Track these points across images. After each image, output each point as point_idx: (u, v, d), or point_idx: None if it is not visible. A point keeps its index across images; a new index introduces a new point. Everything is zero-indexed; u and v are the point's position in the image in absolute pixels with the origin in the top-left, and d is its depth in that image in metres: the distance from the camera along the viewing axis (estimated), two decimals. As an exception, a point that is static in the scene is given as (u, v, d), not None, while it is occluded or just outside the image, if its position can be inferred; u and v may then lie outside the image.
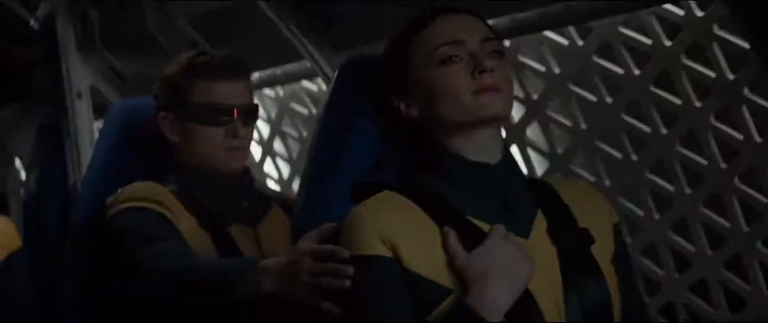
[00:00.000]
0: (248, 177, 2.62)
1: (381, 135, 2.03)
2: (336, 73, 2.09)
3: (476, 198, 1.90)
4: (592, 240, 1.93)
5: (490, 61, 1.88)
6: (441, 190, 1.91)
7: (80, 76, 4.29)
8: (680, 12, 2.63)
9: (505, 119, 1.92)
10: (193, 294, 2.15)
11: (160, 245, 2.30)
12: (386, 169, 2.02)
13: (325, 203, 2.02)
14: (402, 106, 1.96)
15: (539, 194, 1.97)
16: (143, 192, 2.47)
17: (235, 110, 2.52)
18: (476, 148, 1.91)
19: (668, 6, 2.63)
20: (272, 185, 4.30)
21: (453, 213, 1.89)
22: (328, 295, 1.89)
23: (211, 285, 2.10)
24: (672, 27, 2.67)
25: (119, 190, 2.62)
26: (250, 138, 2.58)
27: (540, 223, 1.92)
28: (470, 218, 1.89)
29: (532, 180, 2.03)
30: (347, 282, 1.86)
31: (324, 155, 2.07)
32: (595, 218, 1.97)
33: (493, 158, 1.92)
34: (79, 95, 4.28)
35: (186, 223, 2.45)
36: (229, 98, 2.52)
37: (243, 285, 2.02)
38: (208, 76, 2.52)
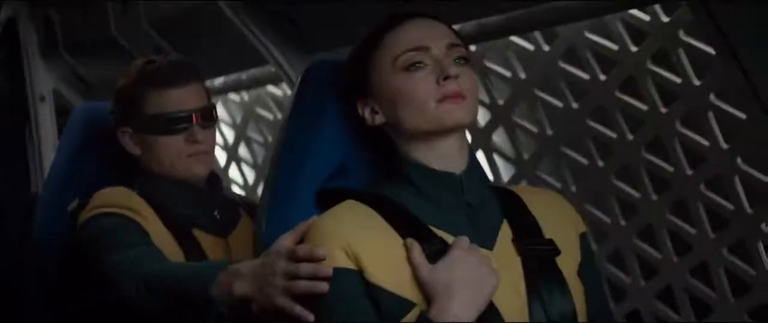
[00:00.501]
0: (218, 185, 2.60)
1: (346, 141, 2.02)
2: (300, 77, 2.07)
3: (440, 208, 1.89)
4: (557, 251, 1.92)
5: (455, 67, 1.86)
6: (404, 200, 1.89)
7: (43, 80, 4.29)
8: (646, 17, 2.61)
9: (467, 126, 1.90)
10: (165, 298, 2.12)
11: (132, 251, 2.28)
12: (350, 175, 2.00)
13: (290, 209, 1.99)
14: (366, 113, 1.95)
15: (505, 203, 1.96)
16: (114, 198, 2.45)
17: (191, 116, 2.49)
18: (440, 156, 1.90)
19: (634, 11, 2.62)
20: (237, 190, 4.27)
21: (416, 224, 1.87)
22: (300, 300, 1.85)
23: (183, 288, 2.06)
24: (638, 32, 2.66)
25: (77, 199, 2.61)
26: (212, 141, 2.55)
27: (505, 234, 1.91)
28: (434, 229, 1.87)
29: (498, 189, 2.01)
30: (325, 286, 1.82)
31: (288, 161, 2.04)
32: (562, 228, 1.96)
33: (457, 167, 1.91)
34: (42, 99, 4.29)
35: (155, 228, 2.43)
36: (182, 104, 2.49)
37: (215, 287, 1.97)
38: (158, 85, 2.49)
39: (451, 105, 1.85)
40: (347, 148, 2.02)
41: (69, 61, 4.18)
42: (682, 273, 2.80)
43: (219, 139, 4.21)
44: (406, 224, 1.86)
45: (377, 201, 1.90)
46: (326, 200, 1.94)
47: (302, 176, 2.02)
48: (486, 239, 1.88)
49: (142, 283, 2.16)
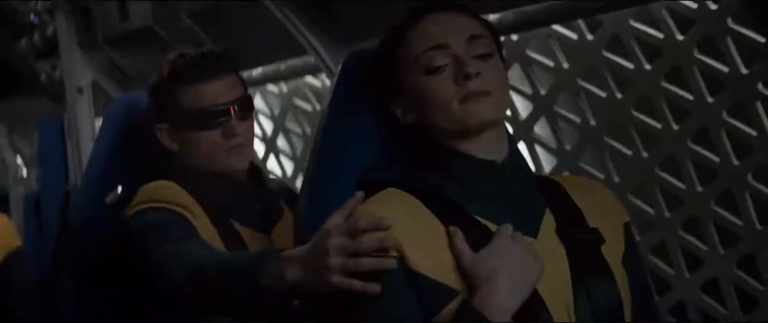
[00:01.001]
0: (261, 180, 2.57)
1: (385, 131, 1.99)
2: (339, 68, 2.05)
3: (483, 197, 1.86)
4: (602, 240, 1.89)
5: (475, 63, 1.83)
6: (446, 188, 1.86)
7: (81, 71, 4.27)
8: (693, 5, 2.57)
9: (496, 123, 1.87)
10: (215, 288, 2.07)
11: (182, 244, 2.26)
12: (391, 165, 1.98)
13: (330, 201, 1.96)
14: (398, 112, 1.92)
15: (548, 192, 1.93)
16: (162, 193, 2.43)
17: (228, 109, 2.46)
18: (480, 145, 1.87)
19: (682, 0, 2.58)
20: None
21: (459, 212, 1.84)
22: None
23: (234, 278, 2.01)
24: (684, 20, 2.62)
25: (116, 191, 2.62)
26: (251, 133, 2.52)
27: (548, 222, 1.88)
28: (477, 217, 1.84)
29: (541, 178, 1.98)
30: (393, 262, 1.78)
31: (327, 152, 2.03)
32: (606, 217, 1.93)
33: (498, 155, 1.88)
34: (80, 91, 4.26)
35: (202, 223, 2.41)
36: (217, 97, 2.46)
37: (266, 276, 1.92)
38: (192, 80, 2.46)
39: (474, 104, 1.82)
40: (387, 138, 2.00)
41: (107, 52, 4.16)
42: (729, 266, 2.76)
43: (257, 130, 4.21)
44: (448, 212, 1.84)
45: (419, 189, 1.87)
46: (367, 189, 1.92)
47: (342, 167, 2.00)
48: (529, 228, 1.85)
49: (192, 272, 2.12)
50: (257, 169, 2.58)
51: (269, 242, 2.49)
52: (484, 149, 1.87)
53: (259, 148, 4.29)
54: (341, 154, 2.01)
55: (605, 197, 1.97)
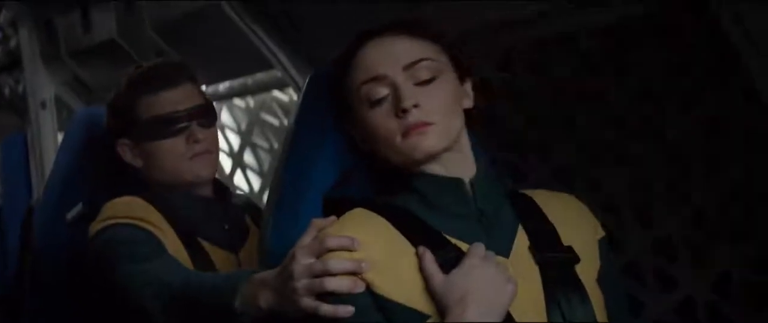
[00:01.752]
0: (228, 197, 2.53)
1: (352, 148, 1.95)
2: (304, 86, 2.02)
3: (452, 216, 1.82)
4: (576, 259, 1.85)
5: (414, 93, 1.79)
6: (414, 207, 1.83)
7: (44, 85, 4.24)
8: None
9: (443, 150, 1.81)
10: (188, 311, 2.04)
11: (151, 262, 2.22)
12: (357, 183, 1.94)
13: (296, 220, 1.92)
14: (357, 138, 1.89)
15: (520, 209, 1.89)
16: (128, 208, 2.39)
17: (188, 114, 2.42)
18: (443, 167, 1.83)
19: None
20: None
21: (429, 232, 1.80)
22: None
23: (207, 301, 1.97)
24: None
25: (78, 207, 2.59)
26: (214, 140, 2.48)
27: (521, 241, 1.84)
28: (447, 236, 1.80)
29: (513, 194, 1.94)
30: (361, 284, 1.73)
31: (294, 170, 1.99)
32: (580, 233, 1.89)
33: (466, 174, 1.84)
34: (43, 105, 4.24)
35: (169, 239, 2.37)
36: (177, 104, 2.43)
37: (239, 299, 1.88)
38: (149, 90, 2.44)
39: (416, 138, 1.79)
40: (354, 156, 1.95)
41: (71, 66, 4.12)
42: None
43: (224, 145, 4.24)
44: (417, 232, 1.79)
45: (386, 209, 1.83)
46: (334, 208, 1.88)
47: (308, 185, 1.96)
48: (501, 247, 1.81)
49: (164, 295, 2.09)
50: (222, 186, 2.54)
51: (237, 261, 2.45)
52: (447, 168, 1.83)
53: (226, 163, 4.26)
54: (308, 171, 1.97)
55: (579, 211, 1.93)
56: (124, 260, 2.23)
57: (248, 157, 4.22)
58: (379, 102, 1.81)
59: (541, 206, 1.91)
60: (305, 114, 2.00)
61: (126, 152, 2.48)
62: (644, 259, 2.78)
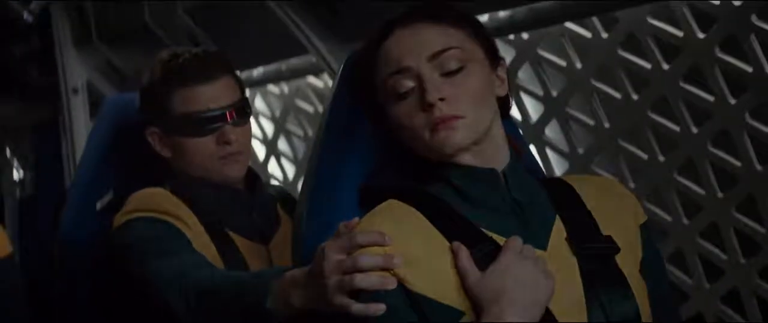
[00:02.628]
0: (259, 188, 2.45)
1: (387, 136, 1.87)
2: (339, 70, 1.94)
3: (488, 208, 1.75)
4: (616, 249, 1.76)
5: (438, 86, 1.71)
6: (450, 199, 1.75)
7: (76, 71, 4.21)
8: (715, 2, 2.46)
9: (472, 145, 1.74)
10: (217, 310, 1.98)
11: (177, 258, 2.15)
12: (392, 173, 1.87)
13: (330, 211, 1.86)
14: (389, 129, 1.81)
15: (557, 197, 1.81)
16: (153, 201, 2.32)
17: (223, 114, 2.34)
18: (476, 158, 1.76)
19: None
20: None
21: (464, 225, 1.73)
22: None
23: (238, 301, 1.91)
24: (705, 17, 2.51)
25: (107, 195, 2.54)
26: (247, 139, 2.41)
27: (558, 231, 1.76)
28: (483, 230, 1.72)
29: (549, 181, 1.86)
30: (393, 280, 1.66)
31: (328, 159, 1.92)
32: (621, 220, 1.81)
33: (499, 164, 1.76)
34: (75, 91, 4.20)
35: (196, 233, 2.29)
36: (211, 102, 2.34)
37: (272, 299, 1.82)
38: (184, 83, 2.34)
39: (445, 133, 1.71)
40: (389, 144, 1.88)
41: (103, 51, 4.09)
42: (751, 276, 2.65)
43: (258, 132, 4.17)
44: (453, 226, 1.72)
45: (421, 201, 1.76)
46: (368, 199, 1.81)
47: (343, 174, 1.90)
48: (538, 239, 1.74)
49: (191, 294, 2.03)
50: (254, 176, 2.46)
51: (267, 253, 2.38)
52: (481, 159, 1.76)
53: (260, 150, 4.21)
54: (342, 160, 1.91)
55: (620, 196, 1.85)
56: (149, 255, 2.17)
57: (282, 144, 4.15)
58: (405, 95, 1.74)
59: (580, 192, 1.83)
60: (339, 101, 1.93)
61: (155, 141, 2.42)
62: (689, 248, 2.74)
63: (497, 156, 1.77)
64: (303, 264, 1.82)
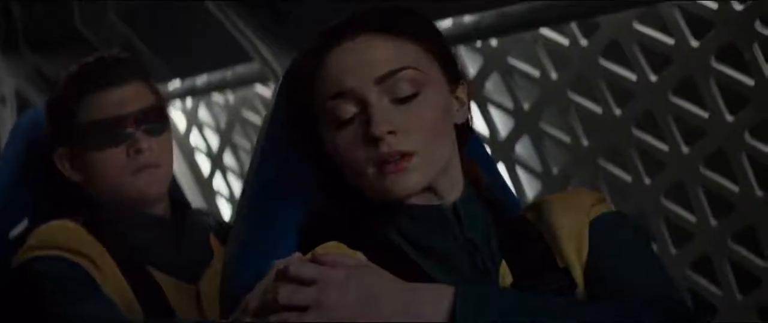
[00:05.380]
0: (187, 215, 2.22)
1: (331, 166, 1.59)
2: (277, 85, 1.74)
3: (438, 253, 1.50)
4: (572, 286, 1.51)
5: (390, 114, 1.46)
6: (393, 238, 1.51)
7: (4, 80, 4.03)
8: (713, 5, 2.26)
9: (426, 186, 1.48)
10: None
11: (79, 306, 1.97)
12: (336, 207, 1.59)
13: (265, 257, 1.54)
14: (329, 151, 1.55)
15: (505, 235, 1.55)
16: (56, 237, 2.10)
17: (132, 119, 2.11)
18: (426, 195, 1.50)
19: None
20: (223, 204, 3.98)
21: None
22: None
23: None
24: (700, 24, 2.34)
25: (24, 222, 2.29)
26: (165, 152, 2.16)
27: (504, 277, 1.52)
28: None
29: (502, 217, 1.59)
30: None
31: (264, 187, 1.65)
32: (576, 234, 1.54)
33: (452, 196, 1.51)
34: (3, 101, 4.04)
35: (107, 272, 2.07)
36: (119, 106, 2.12)
37: None
38: (89, 89, 2.13)
39: (393, 175, 1.46)
40: (334, 174, 1.59)
41: (31, 58, 3.92)
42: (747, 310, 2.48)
43: (202, 145, 3.98)
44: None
45: (369, 246, 1.49)
46: (310, 240, 1.54)
47: (281, 205, 1.62)
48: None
49: None
50: (183, 202, 2.24)
51: (196, 294, 2.15)
52: (431, 197, 1.51)
53: (205, 164, 4.01)
54: (280, 194, 1.64)
55: (576, 205, 1.56)
56: (50, 300, 1.99)
57: (229, 158, 3.97)
58: (346, 123, 1.48)
59: (532, 219, 1.57)
60: (279, 120, 1.66)
61: (64, 164, 2.19)
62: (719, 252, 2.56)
63: (451, 190, 1.52)
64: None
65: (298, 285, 1.36)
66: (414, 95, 1.47)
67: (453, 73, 1.53)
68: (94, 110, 2.11)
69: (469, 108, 1.56)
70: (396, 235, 1.51)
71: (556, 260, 1.52)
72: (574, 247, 1.52)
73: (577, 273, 1.51)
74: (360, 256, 1.45)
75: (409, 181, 1.45)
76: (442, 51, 1.52)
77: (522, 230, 1.55)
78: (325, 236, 1.52)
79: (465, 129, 1.56)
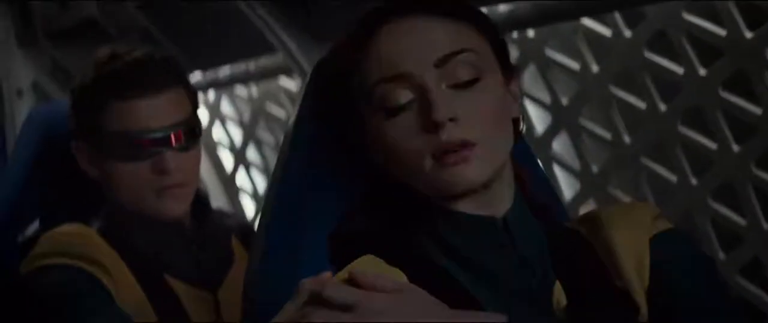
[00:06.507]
0: (208, 220, 2.14)
1: (365, 166, 1.50)
2: (307, 77, 1.59)
3: (486, 272, 1.39)
4: (633, 310, 1.40)
5: (450, 100, 1.36)
6: (437, 259, 1.40)
7: (20, 72, 3.93)
8: None
9: (487, 181, 1.38)
10: None
11: (92, 319, 1.90)
12: (371, 214, 1.50)
13: (292, 268, 1.49)
14: (366, 147, 1.45)
15: (558, 252, 1.45)
16: (67, 244, 2.03)
17: (163, 137, 2.01)
18: (478, 201, 1.40)
19: None
20: (246, 201, 3.88)
21: (457, 294, 1.36)
22: None
23: None
24: (755, 13, 2.21)
25: (35, 226, 2.28)
26: (193, 169, 2.07)
27: (559, 297, 1.42)
28: (479, 298, 1.37)
29: (553, 230, 1.49)
30: None
31: (291, 191, 1.55)
32: (636, 253, 1.43)
33: (503, 206, 1.41)
34: (19, 94, 3.92)
35: (121, 281, 2.00)
36: (150, 120, 2.02)
37: None
38: (120, 94, 2.02)
39: (454, 165, 1.36)
40: (366, 174, 1.51)
41: (49, 50, 3.82)
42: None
43: (225, 139, 3.90)
44: (444, 295, 1.34)
45: (402, 255, 1.40)
46: (341, 251, 1.45)
47: (309, 211, 1.53)
48: (540, 306, 1.40)
49: None
50: (203, 204, 2.15)
51: (215, 302, 2.08)
52: (482, 203, 1.41)
53: (228, 159, 3.93)
54: (309, 193, 1.54)
55: (633, 218, 1.47)
56: (59, 315, 1.91)
57: (252, 153, 3.88)
58: (400, 110, 1.38)
59: (593, 237, 1.46)
60: (308, 116, 1.57)
61: (82, 158, 2.11)
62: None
63: (503, 199, 1.42)
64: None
65: (333, 310, 1.25)
66: (475, 80, 1.37)
67: (507, 64, 1.43)
68: (124, 119, 2.01)
69: (520, 104, 1.46)
70: (439, 248, 1.40)
71: (613, 281, 1.41)
72: (633, 267, 1.41)
73: (638, 296, 1.39)
74: (400, 275, 1.34)
75: (471, 172, 1.35)
76: (497, 39, 1.42)
77: (576, 246, 1.44)
78: (357, 246, 1.42)
79: (516, 126, 1.46)
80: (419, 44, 1.38)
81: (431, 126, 1.35)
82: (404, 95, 1.37)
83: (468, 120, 1.36)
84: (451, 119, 1.35)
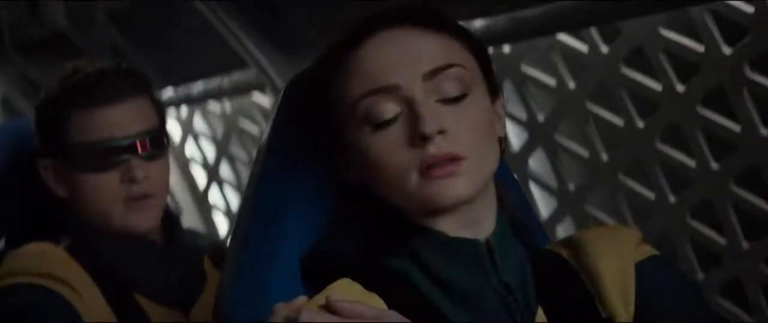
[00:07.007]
0: (179, 238, 2.10)
1: (339, 185, 1.48)
2: (280, 95, 1.56)
3: (469, 298, 1.36)
4: None
5: (438, 114, 1.34)
6: (416, 282, 1.37)
7: None
8: (749, 8, 2.09)
9: (475, 196, 1.36)
10: None
11: None
12: (348, 235, 1.46)
13: (264, 291, 1.45)
14: (341, 166, 1.43)
15: (541, 279, 1.42)
16: (33, 262, 1.99)
17: (129, 144, 1.98)
18: (460, 221, 1.38)
19: (733, 1, 2.11)
20: (219, 218, 3.85)
21: (434, 318, 1.34)
22: None
23: None
24: (734, 29, 2.17)
25: (1, 246, 2.22)
26: (161, 179, 2.04)
27: None
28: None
29: (535, 254, 1.46)
30: None
31: (263, 211, 1.51)
32: (621, 278, 1.41)
33: (486, 227, 1.39)
34: None
35: (90, 302, 1.97)
36: (115, 128, 1.99)
37: None
38: (83, 104, 1.99)
39: (441, 179, 1.34)
40: (339, 196, 1.49)
41: (18, 62, 3.82)
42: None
43: (198, 156, 3.86)
44: (418, 315, 1.33)
45: (379, 279, 1.37)
46: (315, 272, 1.42)
47: (281, 231, 1.49)
48: None
49: None
50: (174, 223, 2.10)
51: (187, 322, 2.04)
52: (464, 223, 1.38)
53: (201, 176, 3.89)
54: (281, 213, 1.50)
55: (618, 246, 1.44)
56: None
57: (225, 170, 3.84)
58: (387, 123, 1.35)
59: (576, 262, 1.43)
60: (280, 134, 1.54)
61: (49, 176, 2.08)
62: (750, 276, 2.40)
63: (486, 219, 1.39)
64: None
65: None
66: (462, 96, 1.35)
67: (492, 83, 1.41)
68: (88, 129, 1.98)
69: (503, 124, 1.43)
70: (419, 270, 1.36)
71: (597, 308, 1.38)
72: (618, 294, 1.38)
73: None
74: (378, 301, 1.31)
75: (458, 187, 1.33)
76: (484, 57, 1.40)
77: (559, 271, 1.41)
78: (332, 268, 1.39)
79: (500, 146, 1.44)
80: (406, 56, 1.36)
81: (419, 139, 1.32)
82: (391, 109, 1.34)
83: (456, 134, 1.34)
84: (439, 132, 1.33)
